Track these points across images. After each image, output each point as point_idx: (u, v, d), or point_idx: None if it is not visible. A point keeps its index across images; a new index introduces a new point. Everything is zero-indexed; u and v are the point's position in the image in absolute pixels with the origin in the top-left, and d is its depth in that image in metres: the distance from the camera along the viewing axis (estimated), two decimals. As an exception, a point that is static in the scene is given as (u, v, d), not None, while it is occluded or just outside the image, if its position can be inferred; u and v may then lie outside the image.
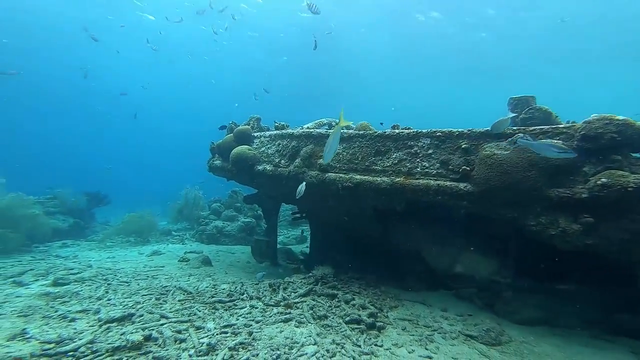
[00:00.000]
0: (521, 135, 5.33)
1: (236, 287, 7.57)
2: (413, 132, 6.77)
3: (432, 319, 6.33)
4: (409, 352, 5.06)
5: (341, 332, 5.46)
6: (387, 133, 7.09)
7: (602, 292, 6.44)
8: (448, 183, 5.98)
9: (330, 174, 7.42)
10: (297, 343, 5.00)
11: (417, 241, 8.05)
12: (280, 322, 5.71)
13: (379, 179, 6.75)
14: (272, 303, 6.51)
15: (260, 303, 6.54)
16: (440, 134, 6.39)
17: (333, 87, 52.78)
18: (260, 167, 8.71)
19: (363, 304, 6.41)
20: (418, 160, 6.54)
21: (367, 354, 4.91)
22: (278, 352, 4.67)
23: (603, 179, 4.44)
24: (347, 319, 5.83)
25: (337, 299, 6.64)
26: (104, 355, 4.04)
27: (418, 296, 7.46)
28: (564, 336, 5.93)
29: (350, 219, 8.12)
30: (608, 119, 4.82)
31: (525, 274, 7.28)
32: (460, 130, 6.21)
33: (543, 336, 5.90)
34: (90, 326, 4.94)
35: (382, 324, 5.89)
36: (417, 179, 6.40)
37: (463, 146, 6.04)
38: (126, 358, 4.05)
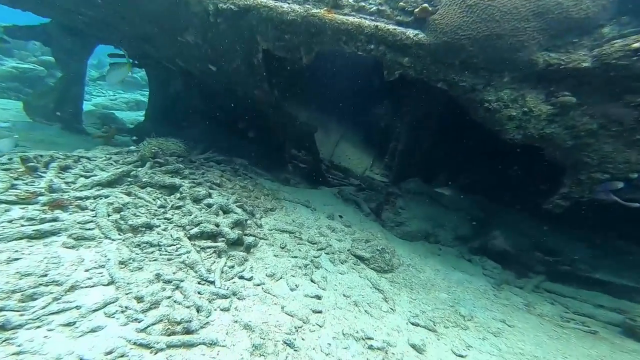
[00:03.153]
0: None
1: None
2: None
3: (318, 231, 4.92)
4: (291, 289, 3.45)
5: (177, 256, 3.21)
6: None
7: (480, 201, 6.61)
8: (392, 27, 3.90)
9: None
10: (57, 282, 2.47)
11: (313, 116, 6.12)
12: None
13: (285, 5, 4.08)
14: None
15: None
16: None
17: None
18: None
19: (225, 205, 4.20)
20: (351, -13, 4.00)
21: (224, 296, 2.98)
22: None
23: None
24: (195, 231, 3.57)
25: (179, 194, 4.13)
26: None
27: (300, 194, 5.86)
28: (441, 256, 5.77)
29: (222, 70, 5.07)
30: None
31: (406, 174, 6.89)
32: None
33: (425, 257, 5.54)
34: None
35: (253, 239, 3.97)
36: (345, 14, 4.04)
37: (429, -27, 3.78)
38: None
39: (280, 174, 6.14)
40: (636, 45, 3.20)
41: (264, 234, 4.28)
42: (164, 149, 4.74)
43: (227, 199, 4.42)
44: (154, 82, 6.52)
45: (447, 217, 6.51)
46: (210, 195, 4.31)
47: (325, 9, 4.00)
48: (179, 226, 3.53)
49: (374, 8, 3.98)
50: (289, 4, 4.05)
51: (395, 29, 3.89)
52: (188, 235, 3.45)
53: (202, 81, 5.52)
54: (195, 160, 5.17)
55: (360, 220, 5.89)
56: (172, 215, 3.69)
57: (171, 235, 3.32)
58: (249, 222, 4.30)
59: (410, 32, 3.87)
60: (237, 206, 4.39)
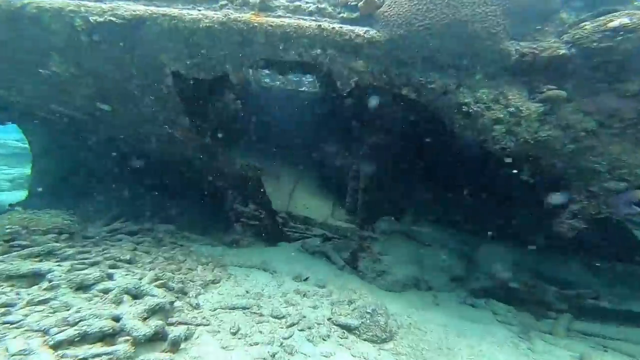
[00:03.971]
0: None
1: None
2: None
3: (284, 299, 3.59)
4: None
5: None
6: None
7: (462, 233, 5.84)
8: (337, 26, 3.29)
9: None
10: None
11: (259, 160, 5.17)
12: None
13: (194, 12, 3.33)
14: None
15: None
16: None
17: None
18: None
19: (135, 287, 2.75)
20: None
21: None
22: None
23: (624, 19, 2.77)
24: (67, 334, 2.06)
25: (47, 283, 2.57)
26: None
27: (254, 256, 4.54)
28: (441, 305, 4.66)
29: (121, 109, 3.96)
30: None
31: (373, 214, 6.05)
32: None
33: (423, 309, 4.42)
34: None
35: (184, 328, 2.53)
36: (279, 17, 3.42)
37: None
38: None
39: (225, 236, 4.84)
40: (613, 24, 2.77)
41: (204, 318, 2.87)
42: (33, 226, 3.24)
43: (140, 278, 2.99)
44: (37, 144, 5.00)
45: (433, 257, 5.60)
46: (110, 277, 2.87)
47: (252, 12, 3.34)
48: (34, 331, 2.02)
49: (313, 7, 3.43)
50: (199, 10, 3.33)
51: (341, 27, 3.30)
52: (51, 343, 1.95)
53: (99, 129, 4.26)
54: (93, 235, 3.70)
55: (334, 275, 4.69)
56: (26, 315, 2.17)
57: (6, 349, 1.81)
58: (177, 304, 2.89)
59: (359, 30, 3.30)
60: (157, 285, 2.97)
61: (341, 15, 3.41)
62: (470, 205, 5.33)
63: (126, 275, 3.03)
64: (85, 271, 2.72)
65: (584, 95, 3.08)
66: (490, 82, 3.29)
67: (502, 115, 3.23)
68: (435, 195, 6.01)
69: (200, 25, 3.25)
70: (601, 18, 2.89)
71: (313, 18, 3.42)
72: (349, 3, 3.37)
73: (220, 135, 4.44)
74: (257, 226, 5.18)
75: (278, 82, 6.50)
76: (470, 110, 3.31)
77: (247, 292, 3.57)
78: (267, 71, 6.28)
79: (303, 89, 6.47)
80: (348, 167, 6.48)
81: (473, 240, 5.78)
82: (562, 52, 3.03)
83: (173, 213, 4.70)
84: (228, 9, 3.35)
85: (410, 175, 6.00)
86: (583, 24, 2.97)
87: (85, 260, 3.00)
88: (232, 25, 3.25)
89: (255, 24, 3.26)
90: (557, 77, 3.10)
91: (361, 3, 3.29)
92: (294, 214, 5.82)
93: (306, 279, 4.36)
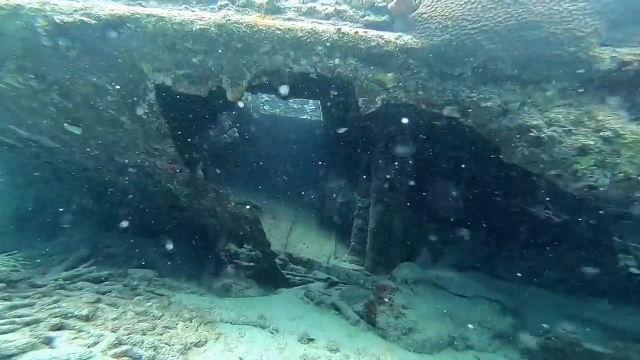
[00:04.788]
0: None
1: None
2: None
3: (289, 371, 2.72)
4: None
5: None
6: None
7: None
8: (361, 31, 2.81)
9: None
10: None
11: (254, 196, 4.58)
12: None
13: (186, 13, 2.87)
14: None
15: None
16: None
17: None
18: None
19: (80, 359, 1.96)
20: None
21: None
22: None
23: None
24: None
25: None
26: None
27: (250, 308, 3.70)
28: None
29: (92, 132, 3.37)
30: None
31: (383, 256, 5.30)
32: None
33: None
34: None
35: None
36: (290, 19, 2.97)
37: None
38: None
39: (215, 281, 4.05)
40: None
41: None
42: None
43: (94, 344, 2.19)
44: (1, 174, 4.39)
45: (467, 308, 4.78)
46: (48, 343, 2.07)
47: (258, 14, 2.90)
48: None
49: (330, 9, 2.99)
50: (193, 10, 2.89)
51: (365, 32, 2.80)
52: None
53: (68, 157, 3.61)
54: (44, 283, 2.94)
55: (348, 334, 3.84)
56: None
57: None
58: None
59: (390, 35, 2.80)
60: (115, 355, 2.16)
61: (366, 18, 2.95)
62: (512, 248, 4.59)
63: (74, 339, 2.23)
64: (6, 336, 1.94)
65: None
66: (569, 99, 2.69)
67: (591, 142, 2.58)
68: (463, 236, 5.31)
69: (194, 28, 2.78)
70: None
71: (331, 22, 2.98)
72: (375, 4, 2.93)
73: (212, 167, 3.88)
74: (253, 268, 4.40)
75: (278, 110, 6.12)
76: (542, 135, 2.68)
77: (240, 359, 2.72)
78: (266, 97, 5.92)
79: (305, 117, 6.10)
80: (353, 203, 5.89)
81: (511, 288, 4.99)
82: None
83: (153, 255, 3.94)
84: (229, 9, 2.91)
85: (431, 212, 5.33)
86: None
87: (18, 319, 2.23)
88: (232, 29, 2.77)
89: (261, 27, 2.79)
90: None
91: (392, 3, 2.84)
92: (294, 256, 5.15)
93: (311, 340, 3.49)
